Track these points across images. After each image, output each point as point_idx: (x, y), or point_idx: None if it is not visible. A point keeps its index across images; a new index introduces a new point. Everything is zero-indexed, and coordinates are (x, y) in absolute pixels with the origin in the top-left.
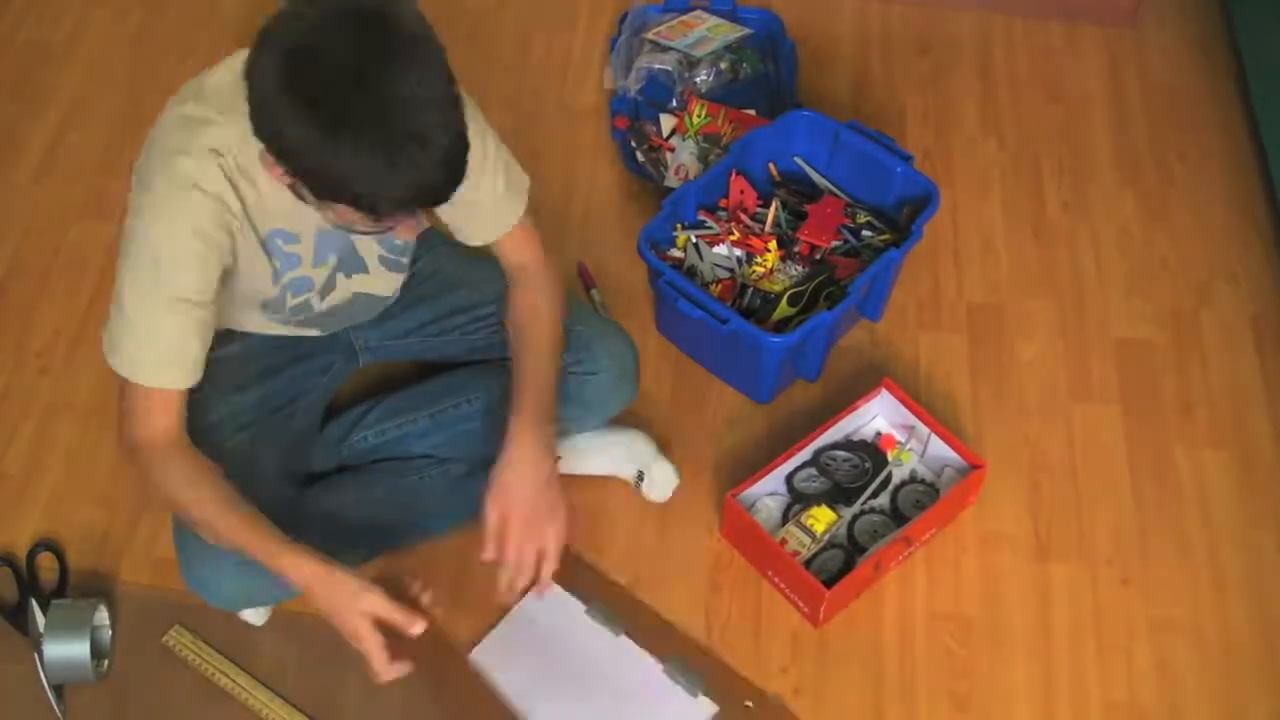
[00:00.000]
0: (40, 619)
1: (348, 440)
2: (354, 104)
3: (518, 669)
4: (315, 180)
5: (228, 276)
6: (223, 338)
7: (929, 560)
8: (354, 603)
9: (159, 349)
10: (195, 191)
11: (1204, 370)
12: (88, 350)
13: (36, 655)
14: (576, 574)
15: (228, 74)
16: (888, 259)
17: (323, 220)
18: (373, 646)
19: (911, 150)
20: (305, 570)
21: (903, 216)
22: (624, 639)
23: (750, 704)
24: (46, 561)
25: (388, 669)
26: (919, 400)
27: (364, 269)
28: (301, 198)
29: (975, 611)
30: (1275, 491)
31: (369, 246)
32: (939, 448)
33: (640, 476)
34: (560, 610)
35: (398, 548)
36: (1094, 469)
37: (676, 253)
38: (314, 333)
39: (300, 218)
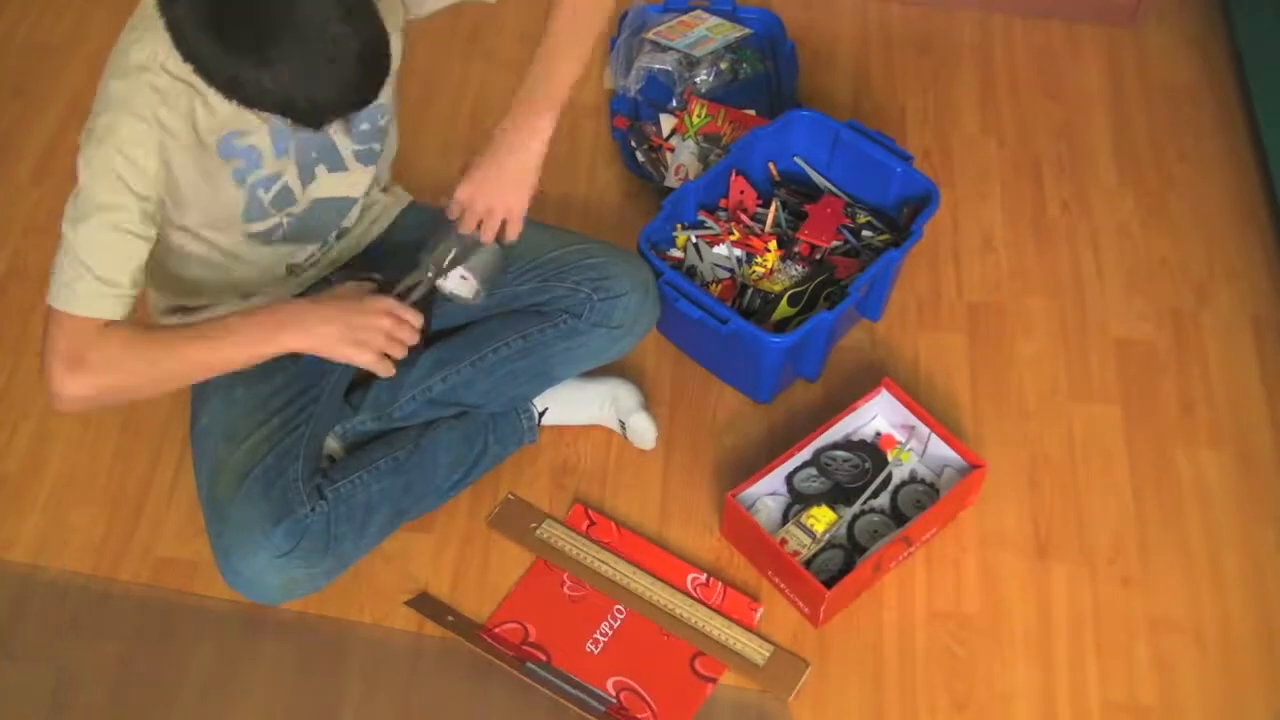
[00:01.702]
0: None
1: (397, 402)
2: (265, 32)
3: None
4: (250, 104)
5: (198, 201)
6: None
7: (929, 560)
8: (368, 301)
9: (94, 277)
10: (127, 115)
11: (1204, 370)
12: None
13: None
14: None
15: None
16: (888, 259)
17: None
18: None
19: (911, 150)
20: (291, 308)
21: (903, 216)
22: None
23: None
24: None
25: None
26: (919, 400)
27: (343, 166)
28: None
29: (975, 611)
30: (1275, 491)
31: (344, 143)
32: (939, 447)
33: (624, 426)
34: None
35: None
36: (1094, 469)
37: (676, 253)
38: (308, 249)
39: (247, 114)
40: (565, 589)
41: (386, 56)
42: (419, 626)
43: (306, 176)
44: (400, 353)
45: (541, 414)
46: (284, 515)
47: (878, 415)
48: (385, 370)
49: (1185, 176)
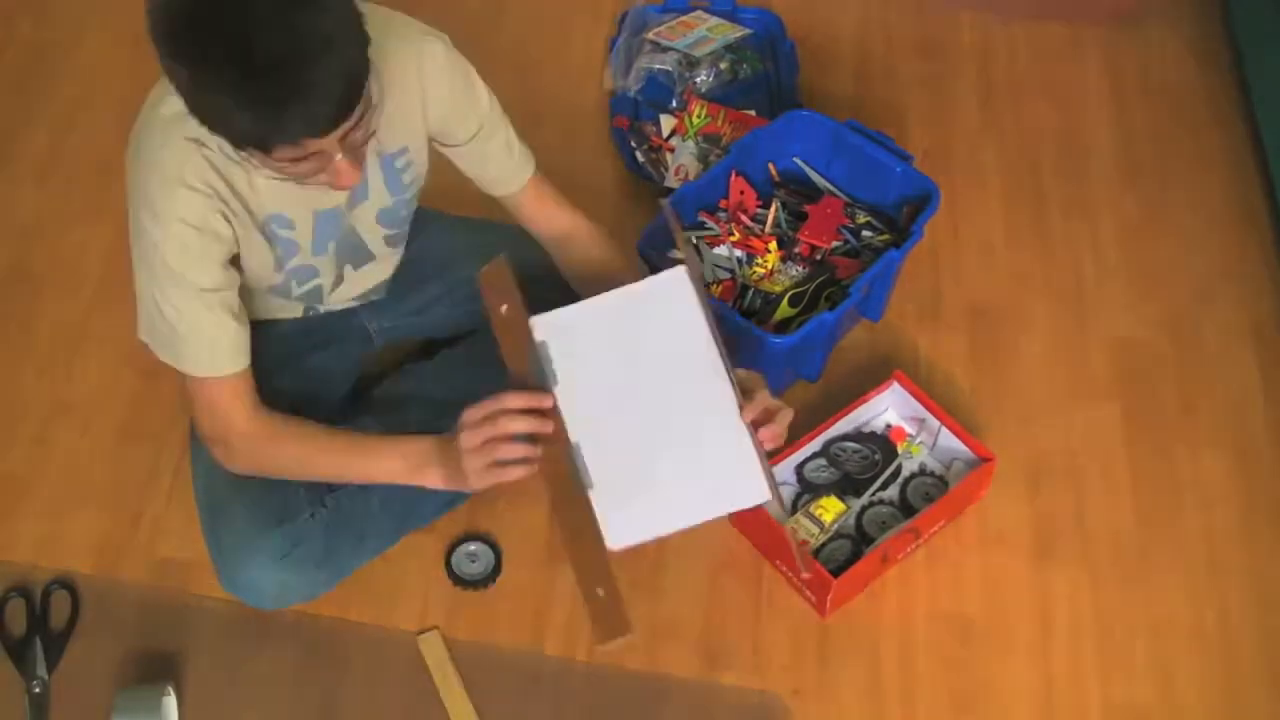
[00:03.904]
0: (42, 658)
1: (400, 406)
2: (215, 42)
3: (582, 355)
4: (225, 132)
5: (238, 262)
6: None
7: (929, 560)
8: (491, 428)
9: (205, 340)
10: (182, 188)
11: (1204, 370)
12: (88, 350)
13: (28, 698)
14: None
15: None
16: (888, 259)
17: (318, 202)
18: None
19: (911, 150)
20: (420, 447)
21: (902, 216)
22: (723, 376)
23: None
24: (59, 599)
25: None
26: None
27: (371, 257)
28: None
29: (975, 611)
30: (1275, 491)
31: (372, 230)
32: (949, 440)
33: None
34: (673, 307)
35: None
36: (1094, 469)
37: (677, 254)
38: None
39: (295, 201)
40: None
41: (355, 96)
42: (420, 624)
43: (336, 280)
44: (530, 452)
45: None
46: (283, 520)
47: (889, 408)
48: (520, 474)
49: (1185, 176)
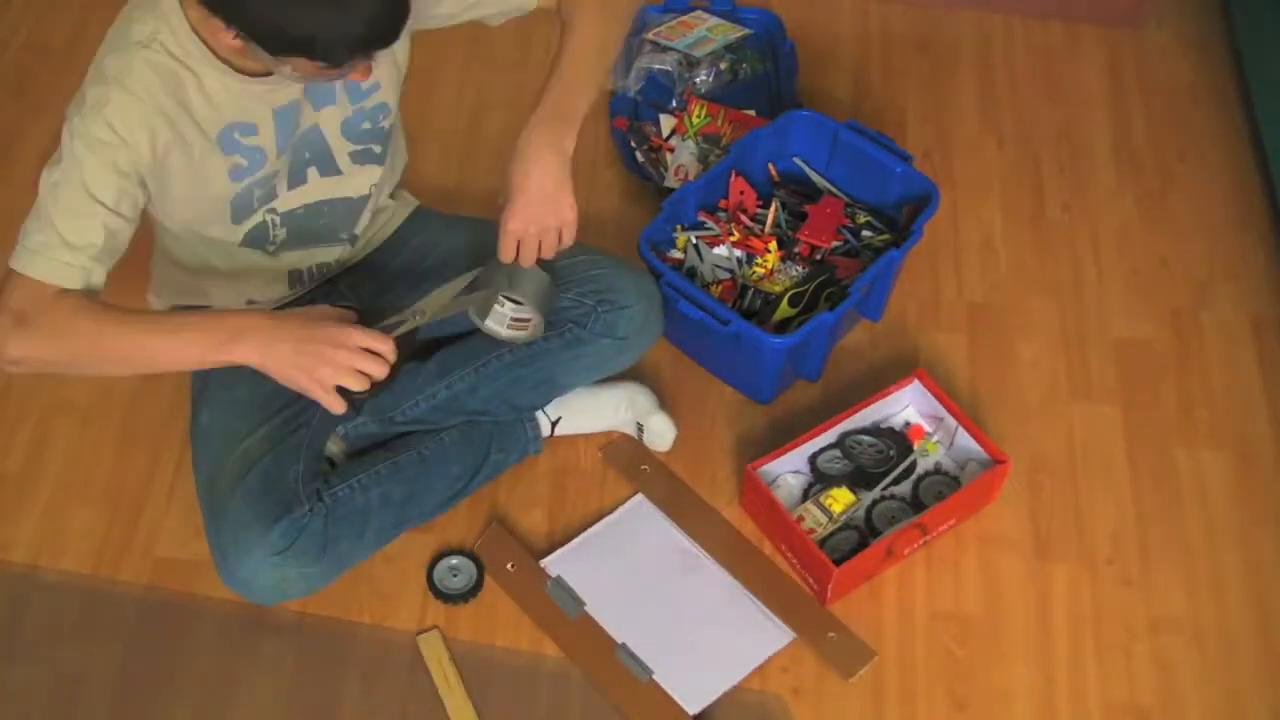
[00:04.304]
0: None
1: (399, 407)
2: None
3: (594, 577)
4: (268, 36)
5: (184, 192)
6: None
7: (929, 560)
8: (333, 328)
9: (61, 243)
10: (118, 89)
11: (1204, 370)
12: None
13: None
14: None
15: None
16: (888, 259)
17: (274, 98)
18: (363, 338)
19: (911, 150)
20: (253, 319)
21: (902, 216)
22: (708, 558)
23: (834, 635)
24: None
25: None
26: None
27: (338, 171)
28: (256, 57)
29: (975, 611)
30: (1275, 491)
31: (338, 140)
32: (966, 441)
33: (640, 429)
34: (646, 524)
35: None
36: (1094, 469)
37: (676, 254)
38: (318, 256)
39: (255, 102)
40: None
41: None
42: (419, 624)
43: (296, 178)
44: (358, 384)
45: (555, 423)
46: (282, 514)
47: (909, 405)
48: (333, 405)
49: (1185, 176)
